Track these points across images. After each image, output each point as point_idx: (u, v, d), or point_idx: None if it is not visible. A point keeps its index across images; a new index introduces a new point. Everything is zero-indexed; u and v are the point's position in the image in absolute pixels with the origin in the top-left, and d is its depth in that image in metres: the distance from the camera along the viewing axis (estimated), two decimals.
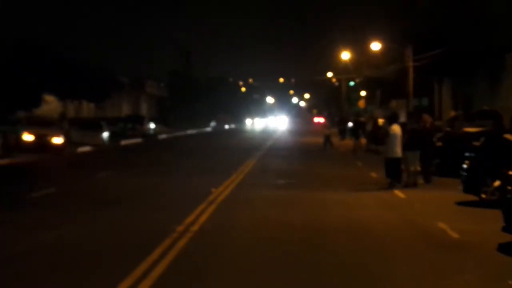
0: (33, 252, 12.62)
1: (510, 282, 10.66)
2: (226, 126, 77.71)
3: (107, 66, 66.58)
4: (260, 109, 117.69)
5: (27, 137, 40.05)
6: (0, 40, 45.13)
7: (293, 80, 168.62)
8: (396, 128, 24.64)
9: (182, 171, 30.76)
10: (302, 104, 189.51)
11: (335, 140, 55.05)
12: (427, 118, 26.91)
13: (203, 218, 16.47)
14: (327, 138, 48.80)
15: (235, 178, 26.68)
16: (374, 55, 60.83)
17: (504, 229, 13.09)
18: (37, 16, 49.53)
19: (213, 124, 78.60)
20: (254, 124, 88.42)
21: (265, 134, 76.37)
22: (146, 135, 63.53)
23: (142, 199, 20.99)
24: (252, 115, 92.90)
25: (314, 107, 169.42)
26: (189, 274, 10.98)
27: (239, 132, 79.64)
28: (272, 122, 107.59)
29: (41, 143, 39.65)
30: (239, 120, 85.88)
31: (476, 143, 22.91)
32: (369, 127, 51.04)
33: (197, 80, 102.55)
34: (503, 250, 12.80)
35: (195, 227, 15.10)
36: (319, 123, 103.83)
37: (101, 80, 63.86)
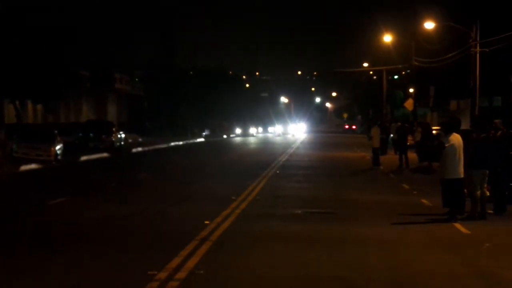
0: None
1: None
2: (224, 136, 77.23)
3: (60, 53, 66.14)
4: (271, 112, 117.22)
5: None
6: None
7: (314, 73, 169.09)
8: (456, 139, 24.49)
9: (164, 197, 30.86)
10: (328, 105, 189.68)
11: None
12: (499, 124, 26.80)
13: (190, 264, 16.44)
14: (376, 152, 48.33)
15: (236, 205, 26.71)
16: (427, 38, 60.87)
17: None
18: None
19: (206, 132, 78.14)
20: (261, 132, 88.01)
21: (275, 147, 76.25)
22: (115, 148, 63.63)
23: (107, 238, 20.96)
24: (258, 120, 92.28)
25: (344, 109, 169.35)
26: None
27: (241, 143, 79.54)
28: (286, 130, 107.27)
29: None
30: (242, 127, 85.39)
31: None
32: (418, 136, 50.99)
33: (184, 73, 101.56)
34: None
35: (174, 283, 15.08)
36: (350, 128, 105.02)
37: (52, 73, 63.64)
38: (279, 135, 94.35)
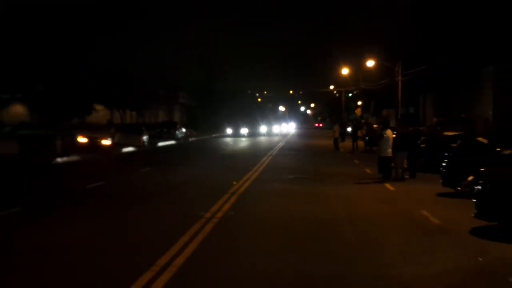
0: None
1: (480, 259, 10.74)
2: (242, 131, 76.29)
3: (145, 79, 66.56)
4: (274, 117, 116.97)
5: (81, 139, 40.36)
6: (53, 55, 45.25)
7: (301, 92, 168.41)
8: (388, 132, 24.80)
9: (209, 168, 30.91)
10: (309, 112, 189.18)
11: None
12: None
13: (227, 206, 16.65)
14: (336, 141, 48.49)
15: (252, 173, 26.76)
16: (369, 71, 60.83)
17: (476, 216, 13.16)
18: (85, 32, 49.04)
19: (229, 129, 77.31)
20: (268, 129, 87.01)
21: (277, 138, 76.04)
22: (179, 138, 63.60)
23: (176, 190, 21.20)
24: (266, 121, 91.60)
25: (319, 115, 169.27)
26: (219, 241, 11.24)
27: (254, 135, 79.08)
28: (284, 128, 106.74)
29: (93, 145, 39.92)
30: (256, 126, 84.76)
31: (454, 145, 23.02)
32: (363, 131, 51.04)
33: (220, 92, 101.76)
34: (475, 233, 12.91)
35: (219, 214, 15.34)
36: (318, 126, 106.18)
37: (142, 92, 64.29)
38: (280, 132, 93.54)
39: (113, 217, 15.32)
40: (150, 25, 63.52)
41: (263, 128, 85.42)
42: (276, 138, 73.38)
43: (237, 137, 73.46)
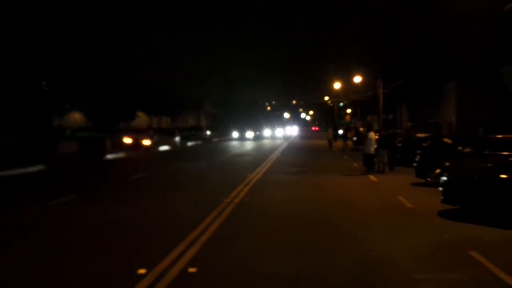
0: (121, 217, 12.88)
1: (445, 236, 10.69)
2: (247, 135, 73.33)
3: (177, 91, 66.28)
4: (280, 122, 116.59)
5: (127, 140, 40.52)
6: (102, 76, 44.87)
7: (302, 102, 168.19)
8: (371, 134, 24.72)
9: (229, 163, 30.91)
10: (308, 118, 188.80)
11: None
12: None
13: (242, 194, 16.64)
14: (330, 141, 48.98)
15: (262, 167, 26.70)
16: (356, 85, 60.70)
17: (442, 201, 13.12)
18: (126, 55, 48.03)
19: (235, 133, 74.61)
20: (275, 132, 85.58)
21: (283, 139, 75.76)
22: (205, 139, 63.59)
23: (202, 180, 21.17)
24: (273, 126, 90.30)
25: (316, 120, 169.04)
26: (238, 221, 11.27)
27: (263, 138, 78.35)
28: (288, 130, 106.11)
29: (135, 144, 40.09)
30: (267, 129, 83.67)
31: (424, 144, 22.91)
32: (352, 133, 50.99)
33: (237, 101, 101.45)
34: (442, 215, 12.84)
35: (237, 200, 15.32)
36: (315, 129, 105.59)
37: (175, 102, 64.24)
38: (284, 134, 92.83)
39: (154, 200, 15.40)
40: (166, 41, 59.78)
41: (269, 132, 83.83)
42: (280, 141, 73.19)
43: (255, 139, 72.55)
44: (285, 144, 56.49)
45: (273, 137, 78.92)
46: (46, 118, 36.08)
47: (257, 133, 77.21)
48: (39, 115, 34.03)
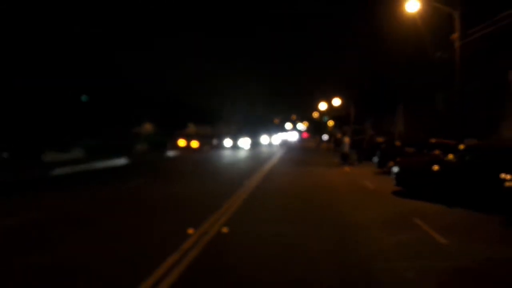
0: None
1: (396, 208, 10.57)
2: (262, 140, 67.98)
3: (213, 108, 63.26)
4: (284, 131, 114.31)
5: (181, 142, 40.51)
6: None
7: (299, 116, 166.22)
8: (346, 139, 24.52)
9: (247, 159, 30.73)
10: (303, 128, 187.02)
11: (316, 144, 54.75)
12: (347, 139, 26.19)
13: (260, 180, 16.48)
14: (318, 144, 49.06)
15: (271, 163, 26.58)
16: (336, 106, 60.33)
17: (395, 185, 13.01)
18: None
19: (264, 138, 69.30)
20: (275, 139, 77.72)
21: (283, 145, 75.07)
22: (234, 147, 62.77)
23: (230, 170, 20.88)
24: (274, 134, 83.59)
25: (308, 130, 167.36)
26: (253, 200, 11.16)
27: (272, 144, 76.38)
28: (288, 137, 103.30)
29: (187, 146, 40.03)
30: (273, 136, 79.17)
31: (382, 146, 22.72)
32: (333, 139, 50.76)
33: (255, 116, 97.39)
34: (394, 194, 12.70)
35: (253, 184, 15.19)
36: (305, 136, 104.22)
37: (213, 114, 63.32)
38: (285, 140, 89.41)
39: (198, 184, 15.16)
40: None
41: (277, 138, 78.58)
42: (284, 144, 72.57)
43: (269, 145, 70.51)
44: (286, 147, 56.17)
45: (280, 143, 76.74)
46: (127, 127, 36.34)
47: (269, 139, 74.56)
48: (123, 126, 34.33)
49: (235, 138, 52.80)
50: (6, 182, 14.99)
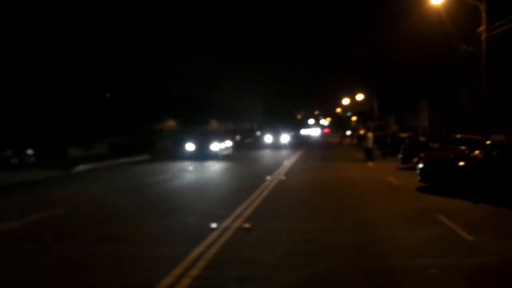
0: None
1: (420, 204, 10.43)
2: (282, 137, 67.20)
3: (234, 102, 62.32)
4: (306, 126, 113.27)
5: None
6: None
7: (322, 112, 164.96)
8: (370, 135, 24.33)
9: (271, 153, 30.76)
10: (326, 123, 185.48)
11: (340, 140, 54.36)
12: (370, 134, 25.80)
13: (283, 173, 16.53)
14: (341, 139, 48.88)
15: (291, 160, 26.51)
16: (359, 101, 59.77)
17: (419, 181, 12.87)
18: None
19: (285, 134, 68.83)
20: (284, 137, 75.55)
21: (306, 138, 74.52)
22: (255, 137, 62.96)
23: (256, 161, 21.10)
24: (299, 129, 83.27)
25: (331, 125, 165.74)
26: (277, 190, 11.25)
27: (298, 137, 75.95)
28: (312, 132, 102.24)
29: None
30: (299, 131, 77.73)
31: (406, 141, 22.46)
32: (356, 134, 50.32)
33: (279, 113, 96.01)
34: (418, 190, 12.53)
35: (278, 177, 15.23)
36: (327, 131, 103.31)
37: (234, 112, 63.32)
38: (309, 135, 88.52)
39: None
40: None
41: (302, 132, 79.04)
42: (307, 139, 72.22)
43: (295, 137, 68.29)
44: (311, 140, 55.97)
45: (305, 136, 76.13)
46: (150, 125, 36.82)
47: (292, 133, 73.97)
48: (146, 123, 34.81)
49: (276, 134, 51.25)
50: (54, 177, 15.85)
